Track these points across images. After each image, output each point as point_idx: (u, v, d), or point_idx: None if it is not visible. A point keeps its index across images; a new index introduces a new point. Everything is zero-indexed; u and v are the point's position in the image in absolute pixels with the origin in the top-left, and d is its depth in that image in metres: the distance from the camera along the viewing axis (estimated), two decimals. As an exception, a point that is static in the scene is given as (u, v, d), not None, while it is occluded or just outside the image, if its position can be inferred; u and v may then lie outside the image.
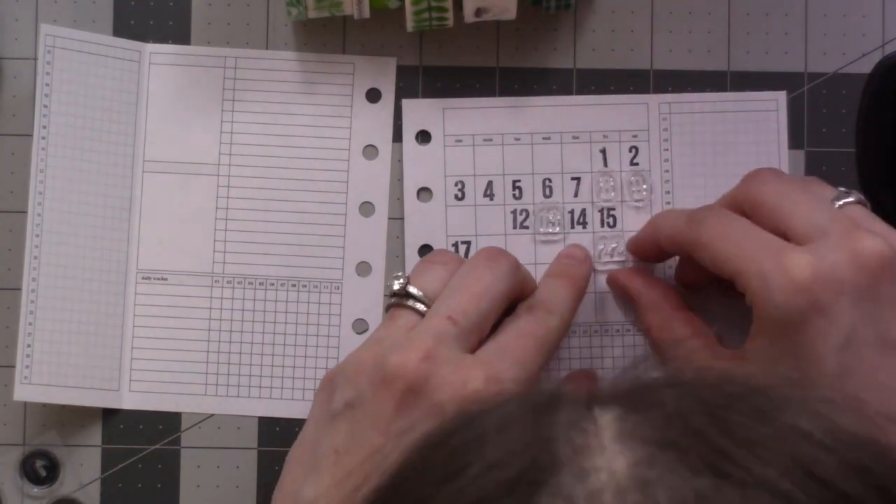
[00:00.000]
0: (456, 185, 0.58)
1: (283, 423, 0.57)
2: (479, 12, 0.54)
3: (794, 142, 0.58)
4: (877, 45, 0.58)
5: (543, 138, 0.58)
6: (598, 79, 0.58)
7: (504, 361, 0.48)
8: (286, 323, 0.58)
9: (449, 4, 0.54)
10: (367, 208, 0.58)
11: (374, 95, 0.58)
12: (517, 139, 0.58)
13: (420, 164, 0.58)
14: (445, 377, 0.47)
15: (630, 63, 0.58)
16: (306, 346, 0.58)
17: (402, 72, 0.58)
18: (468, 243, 0.58)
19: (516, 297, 0.52)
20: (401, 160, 0.58)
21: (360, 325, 0.58)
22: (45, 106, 0.56)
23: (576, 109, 0.58)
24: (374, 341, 0.50)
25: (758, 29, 0.58)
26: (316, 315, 0.58)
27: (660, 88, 0.58)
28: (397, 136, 0.58)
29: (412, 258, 0.58)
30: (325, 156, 0.58)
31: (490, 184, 0.58)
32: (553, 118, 0.58)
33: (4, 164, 0.58)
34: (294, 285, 0.58)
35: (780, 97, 0.57)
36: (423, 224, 0.58)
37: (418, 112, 0.58)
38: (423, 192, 0.58)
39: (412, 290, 0.50)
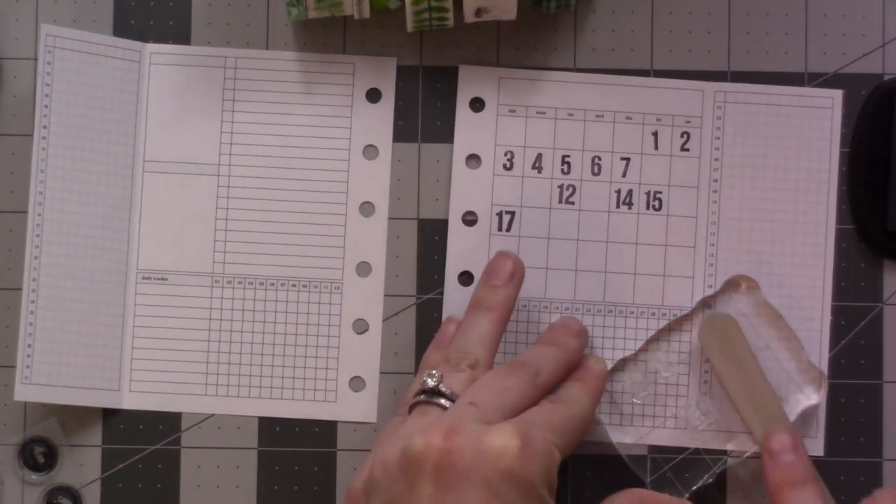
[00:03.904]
0: (505, 154, 0.58)
1: (283, 423, 0.57)
2: (479, 12, 0.54)
3: (795, 142, 0.59)
4: (877, 45, 0.58)
5: (597, 116, 0.58)
6: (598, 79, 0.58)
7: (536, 427, 0.48)
8: (286, 323, 0.58)
9: (449, 4, 0.54)
10: (367, 208, 0.58)
11: (374, 95, 0.58)
12: (570, 115, 0.58)
13: (471, 132, 0.58)
14: (476, 446, 0.46)
15: (630, 63, 0.58)
16: (306, 346, 0.58)
17: (402, 72, 0.58)
18: (512, 213, 0.57)
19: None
20: (401, 160, 0.58)
21: (360, 325, 0.58)
22: (46, 106, 0.56)
23: (631, 90, 0.58)
24: (399, 437, 0.49)
25: (758, 29, 0.58)
26: (316, 315, 0.58)
27: (660, 88, 0.58)
28: (397, 136, 0.58)
29: (456, 226, 0.57)
30: (325, 156, 0.58)
31: (539, 156, 0.58)
32: (606, 96, 0.58)
33: (4, 164, 0.58)
34: (294, 285, 0.58)
35: (837, 95, 0.57)
36: (470, 191, 0.58)
37: (474, 79, 0.58)
38: (472, 160, 0.58)
39: (442, 388, 0.50)
